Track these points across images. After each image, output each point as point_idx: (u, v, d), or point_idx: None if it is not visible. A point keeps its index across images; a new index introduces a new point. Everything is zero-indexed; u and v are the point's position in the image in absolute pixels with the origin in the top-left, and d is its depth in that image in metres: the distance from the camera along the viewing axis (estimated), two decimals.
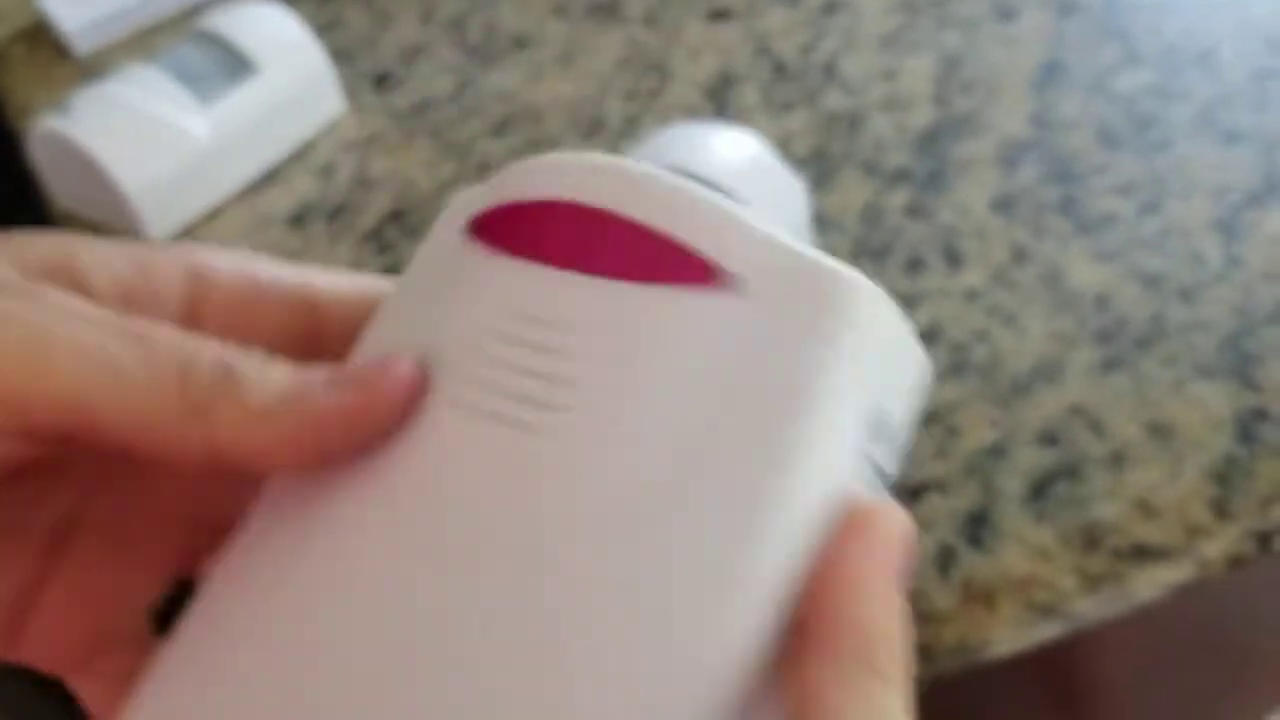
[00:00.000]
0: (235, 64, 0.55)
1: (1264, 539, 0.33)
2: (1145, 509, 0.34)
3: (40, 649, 0.20)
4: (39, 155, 0.54)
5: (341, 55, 0.62)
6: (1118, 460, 0.35)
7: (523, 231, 0.20)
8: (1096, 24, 0.51)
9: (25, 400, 0.18)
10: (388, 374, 0.20)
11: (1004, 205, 0.44)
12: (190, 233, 0.53)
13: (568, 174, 0.20)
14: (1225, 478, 0.34)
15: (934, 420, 0.37)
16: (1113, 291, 0.40)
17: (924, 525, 0.35)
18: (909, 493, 0.36)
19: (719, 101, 0.53)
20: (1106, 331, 0.39)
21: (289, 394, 0.19)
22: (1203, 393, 0.36)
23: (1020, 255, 0.42)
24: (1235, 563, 0.33)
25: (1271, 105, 0.45)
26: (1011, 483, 0.35)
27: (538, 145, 0.53)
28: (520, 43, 0.60)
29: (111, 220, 0.54)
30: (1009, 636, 0.32)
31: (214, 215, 0.53)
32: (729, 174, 0.41)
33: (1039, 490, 0.35)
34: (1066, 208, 0.43)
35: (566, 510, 0.18)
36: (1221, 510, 0.33)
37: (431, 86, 0.58)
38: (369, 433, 0.20)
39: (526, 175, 0.21)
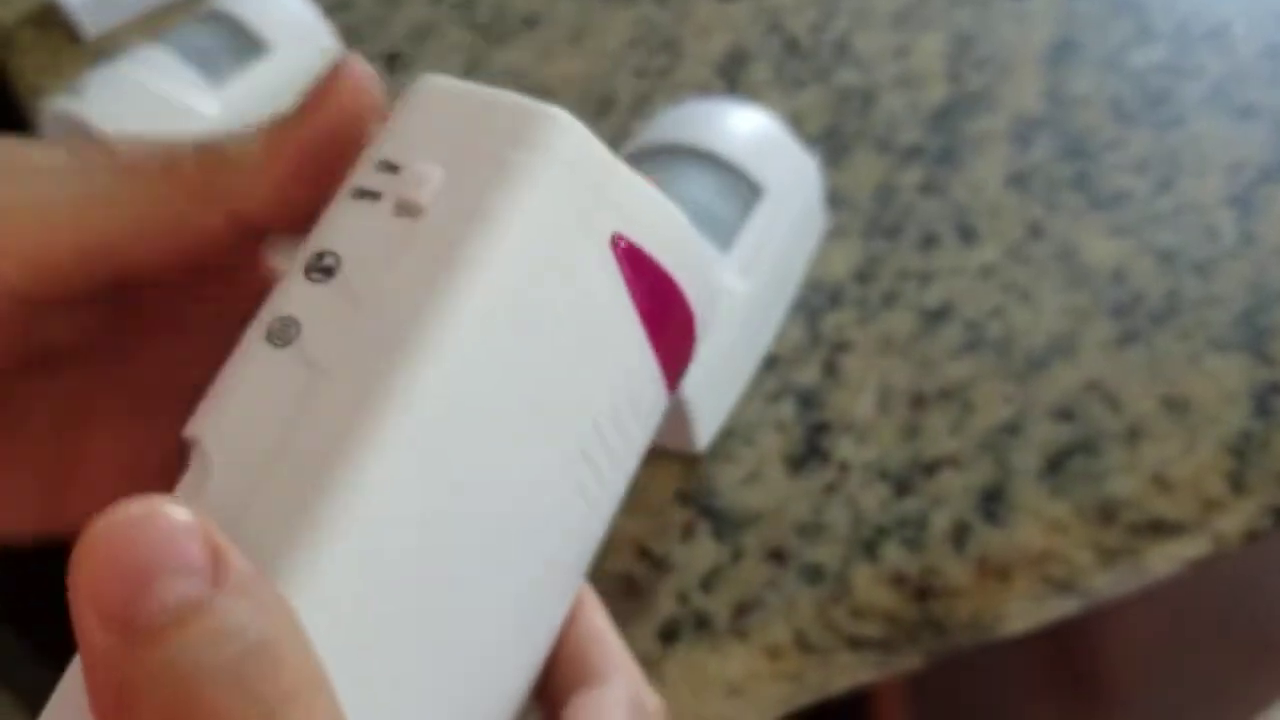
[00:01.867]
0: (246, 44, 0.55)
1: None
2: (1161, 484, 0.34)
3: (82, 519, 0.21)
4: (49, 138, 0.54)
5: (352, 35, 0.61)
6: (1133, 435, 0.35)
7: None
8: (1109, 1, 0.51)
9: (48, 262, 0.20)
10: (341, 76, 0.22)
11: (1017, 182, 0.44)
12: None
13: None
14: (1242, 452, 0.34)
15: (948, 397, 0.37)
16: (1128, 267, 0.40)
17: (938, 501, 0.35)
18: (923, 469, 0.36)
19: (730, 79, 0.53)
20: (1121, 307, 0.39)
21: (269, 138, 0.21)
22: (1218, 367, 0.36)
23: (1034, 232, 0.42)
24: (1251, 537, 0.33)
25: None
26: (1027, 458, 0.35)
27: None
28: (530, 22, 0.60)
29: None
30: (1024, 611, 0.32)
31: None
32: (742, 151, 0.41)
33: (1054, 465, 0.35)
34: (1080, 184, 0.43)
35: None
36: (1238, 484, 0.33)
37: (442, 66, 0.58)
38: (352, 132, 0.22)
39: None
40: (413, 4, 0.64)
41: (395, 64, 0.59)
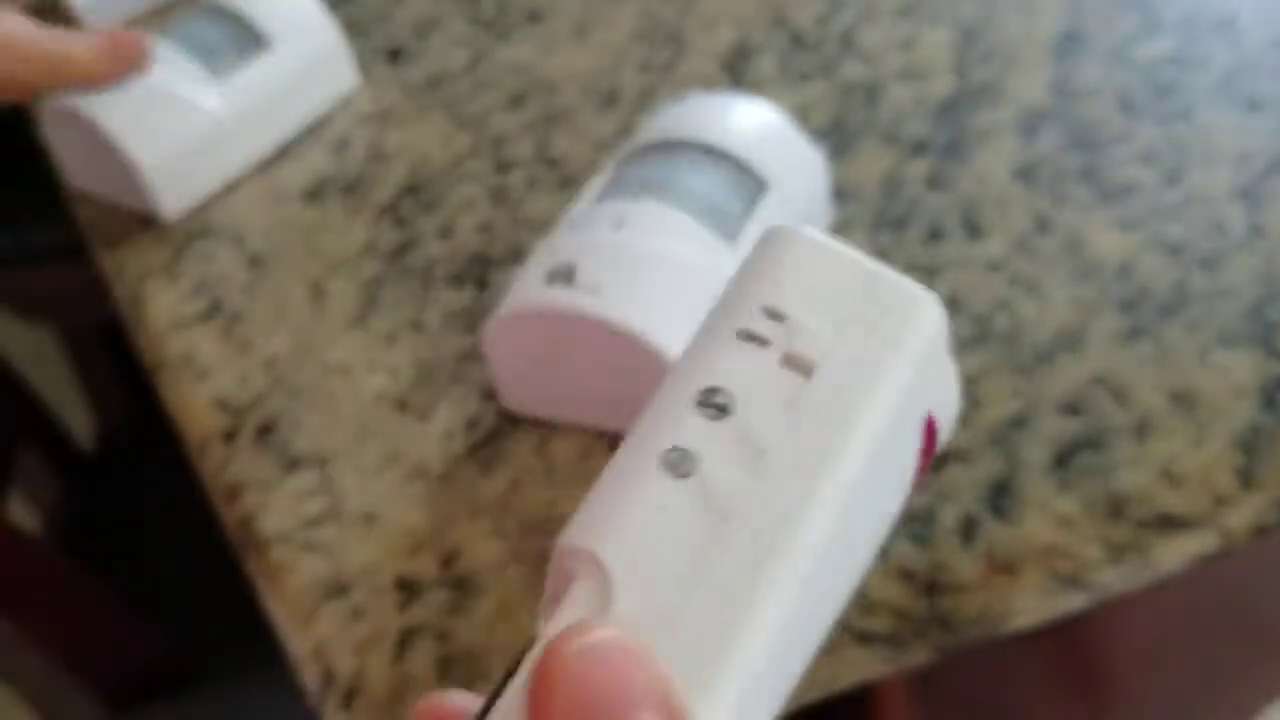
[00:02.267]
0: (248, 38, 0.55)
1: None
2: (1169, 478, 0.33)
3: None
4: (51, 132, 0.54)
5: (355, 29, 0.61)
6: (1141, 429, 0.35)
7: None
8: None
9: None
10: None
11: (1024, 174, 0.44)
12: (205, 208, 0.53)
13: None
14: (1250, 447, 0.34)
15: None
16: (1135, 260, 0.40)
17: (946, 495, 0.35)
18: (931, 463, 0.36)
19: (735, 73, 0.53)
20: (1129, 300, 0.38)
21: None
22: (1227, 361, 0.36)
23: (1041, 225, 0.42)
24: (1260, 532, 0.33)
25: None
26: (1035, 452, 0.35)
27: (553, 118, 0.53)
28: (534, 16, 0.60)
29: (125, 197, 0.53)
30: (1032, 607, 0.32)
31: (229, 190, 0.53)
32: (747, 145, 0.41)
33: (1062, 460, 0.35)
34: (1087, 177, 0.43)
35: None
36: (1247, 479, 0.33)
37: (445, 60, 0.58)
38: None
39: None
40: None
41: (398, 58, 0.58)
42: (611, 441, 0.39)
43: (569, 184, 0.49)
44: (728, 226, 0.38)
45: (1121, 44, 0.48)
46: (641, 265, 0.36)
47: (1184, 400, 0.35)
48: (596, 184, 0.42)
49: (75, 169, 0.55)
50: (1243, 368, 0.36)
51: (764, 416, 0.25)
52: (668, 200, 0.38)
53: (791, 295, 0.27)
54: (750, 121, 0.42)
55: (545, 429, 0.40)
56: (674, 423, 0.24)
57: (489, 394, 0.42)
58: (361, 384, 0.43)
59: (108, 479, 0.82)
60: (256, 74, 0.53)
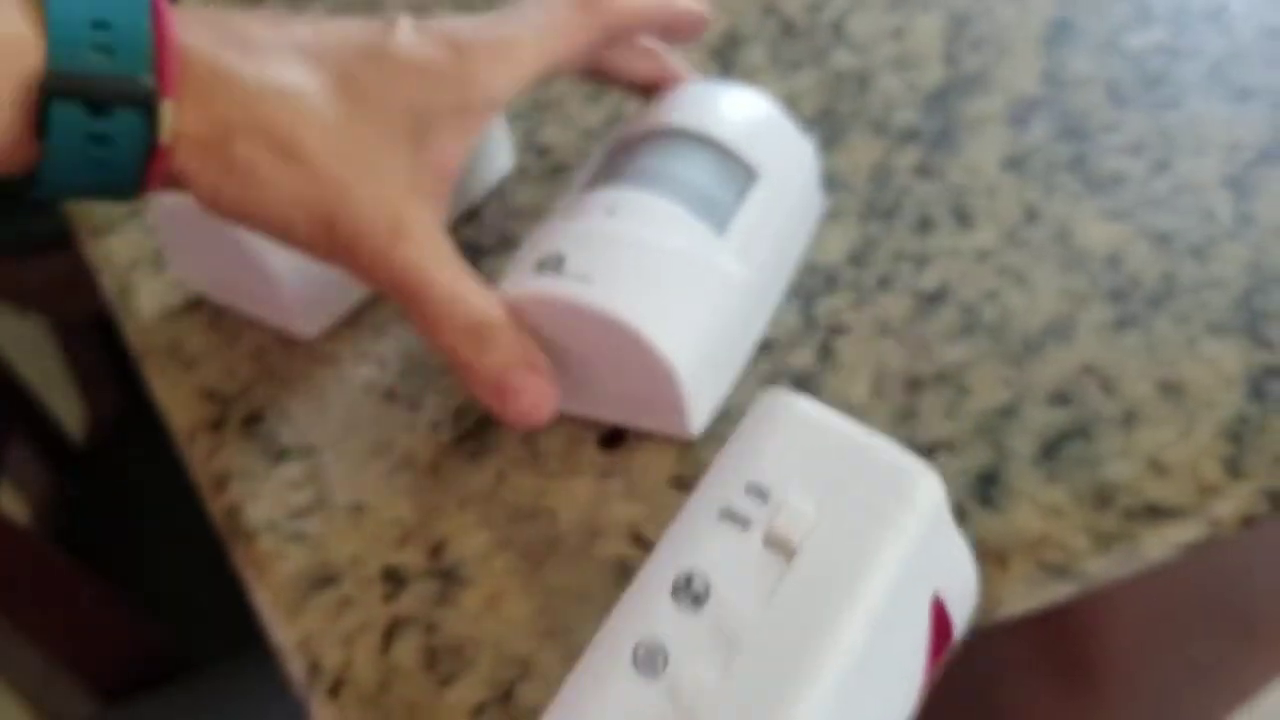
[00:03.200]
0: None
1: (1276, 498, 0.33)
2: (1157, 468, 0.33)
3: None
4: (163, 224, 0.45)
5: (342, 11, 0.61)
6: (1129, 419, 0.35)
7: None
8: None
9: (532, 76, 0.39)
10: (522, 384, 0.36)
11: (1014, 164, 0.44)
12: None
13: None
14: (1238, 436, 0.34)
15: (944, 380, 0.37)
16: (1124, 250, 0.39)
17: None
18: (919, 453, 0.36)
19: (725, 61, 0.52)
20: (1118, 290, 0.38)
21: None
22: (1215, 351, 0.36)
23: (1031, 214, 0.42)
24: (1247, 522, 0.33)
25: None
26: (1023, 442, 0.35)
27: (542, 107, 0.52)
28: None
29: (253, 307, 0.45)
30: (1020, 596, 0.32)
31: None
32: (737, 135, 0.40)
33: (1050, 450, 0.35)
34: (1077, 166, 0.43)
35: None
36: (1234, 469, 0.33)
37: None
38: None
39: None
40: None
41: None
42: (600, 433, 0.39)
43: (558, 173, 0.49)
44: (718, 216, 0.38)
45: (1112, 33, 0.48)
46: (630, 254, 0.36)
47: (1172, 390, 0.35)
48: (586, 172, 0.42)
49: (186, 267, 0.46)
50: (1230, 357, 0.36)
51: (741, 605, 0.24)
52: (658, 190, 0.38)
53: (777, 470, 0.27)
54: (740, 110, 0.41)
55: None
56: (648, 613, 0.23)
57: None
58: (350, 374, 0.43)
59: (98, 470, 0.81)
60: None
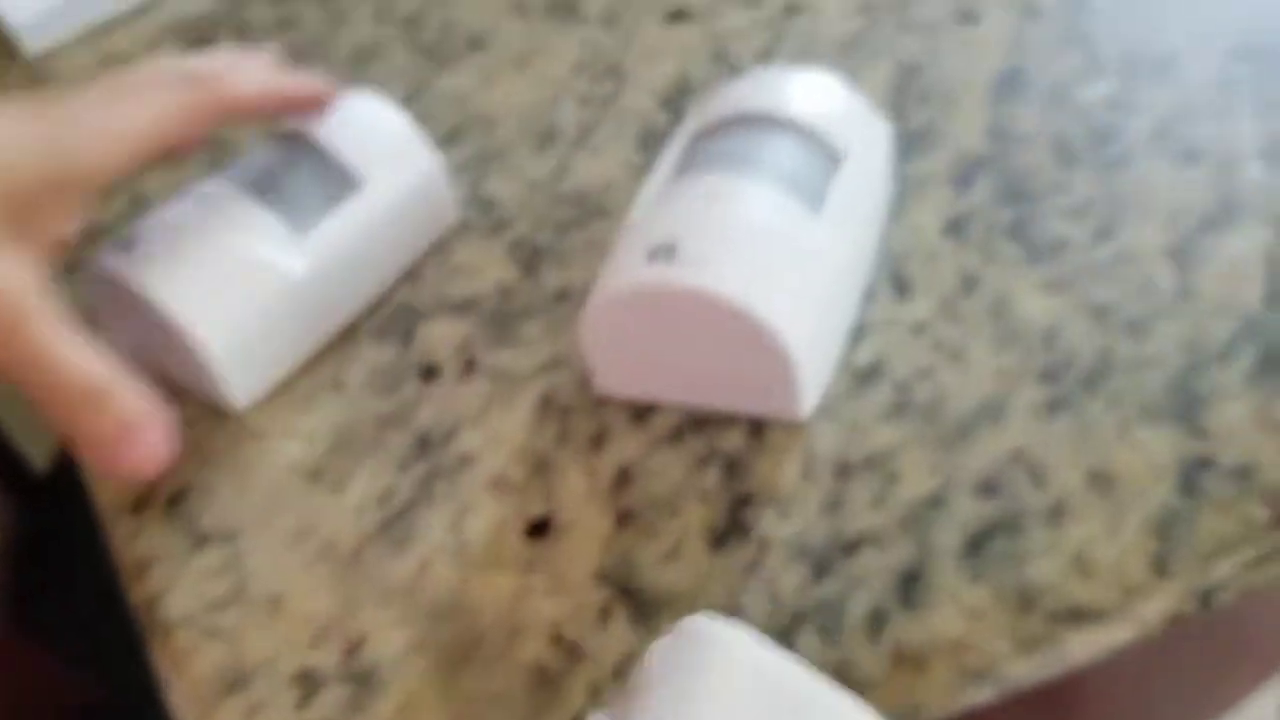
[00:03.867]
0: (334, 178, 0.44)
1: (1205, 597, 0.32)
2: (1083, 567, 0.33)
3: None
4: (93, 292, 0.44)
5: (297, 57, 0.60)
6: (1057, 513, 0.34)
7: None
8: (1059, 28, 0.49)
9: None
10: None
11: (955, 228, 0.43)
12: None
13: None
14: (1166, 532, 0.33)
15: (873, 466, 0.36)
16: (1061, 324, 0.38)
17: (857, 583, 0.34)
18: (843, 547, 0.35)
19: (675, 110, 0.51)
20: (1052, 368, 0.37)
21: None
22: (1146, 438, 0.35)
23: (969, 283, 0.41)
24: (1174, 622, 0.32)
25: (1231, 117, 0.43)
26: (948, 537, 0.34)
27: (488, 157, 0.51)
28: (475, 43, 0.59)
29: (184, 378, 0.44)
30: (940, 700, 0.32)
31: None
32: (819, 116, 0.40)
33: (976, 545, 0.34)
34: (1018, 231, 0.42)
35: None
36: (1161, 568, 0.32)
37: (386, 90, 0.56)
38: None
39: None
40: (359, 22, 0.63)
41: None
42: (527, 521, 0.38)
43: (502, 228, 0.48)
44: (811, 198, 0.38)
45: (1062, 84, 0.47)
46: (741, 238, 0.36)
47: (1101, 480, 0.34)
48: (667, 162, 0.42)
49: (121, 340, 0.45)
50: (1162, 446, 0.35)
51: None
52: (751, 174, 0.38)
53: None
54: (819, 93, 0.41)
55: (458, 506, 0.39)
56: None
57: (405, 463, 0.41)
58: (276, 451, 0.42)
59: (59, 500, 0.81)
60: (345, 222, 0.44)
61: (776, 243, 0.36)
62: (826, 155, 0.40)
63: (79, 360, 0.36)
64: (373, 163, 0.44)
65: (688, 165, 0.40)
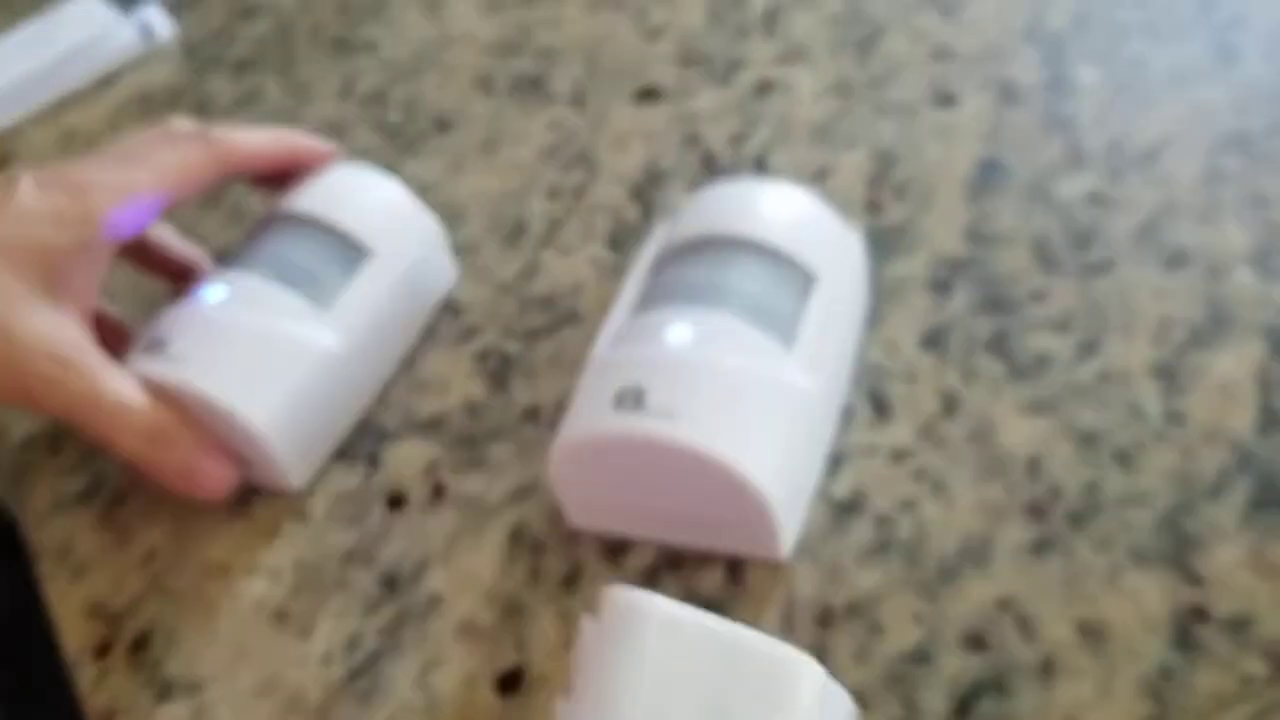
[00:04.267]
0: (346, 250, 0.44)
1: None
2: None
3: None
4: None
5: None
6: (1047, 669, 0.33)
7: None
8: (1039, 114, 0.48)
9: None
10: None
11: (934, 341, 0.41)
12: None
13: None
14: (1159, 693, 0.31)
15: (855, 614, 0.35)
16: (1045, 453, 0.37)
17: None
18: None
19: (645, 201, 0.50)
20: (1038, 503, 0.36)
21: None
22: (1138, 584, 0.34)
23: (950, 405, 0.39)
24: None
25: (1217, 216, 0.42)
26: (935, 697, 0.33)
27: (457, 251, 0.50)
28: (442, 124, 0.57)
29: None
30: None
31: None
32: (790, 236, 0.39)
33: (964, 707, 0.32)
34: (999, 346, 0.40)
35: None
36: None
37: None
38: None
39: None
40: (322, 98, 0.61)
41: None
42: (496, 674, 0.36)
43: (467, 337, 0.47)
44: (782, 327, 0.37)
45: (1042, 177, 0.45)
46: (711, 383, 0.35)
47: (1092, 632, 0.33)
48: (631, 288, 0.40)
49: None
50: (1153, 594, 0.33)
51: None
52: (720, 306, 0.37)
53: (653, 698, 0.27)
54: (786, 210, 0.40)
55: (426, 656, 0.38)
56: None
57: (371, 605, 0.39)
58: (240, 590, 0.41)
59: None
60: (364, 292, 0.44)
61: (748, 384, 0.35)
62: (798, 278, 0.38)
63: (140, 402, 0.40)
64: (378, 231, 0.45)
65: (654, 293, 0.38)
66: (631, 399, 0.35)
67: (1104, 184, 0.44)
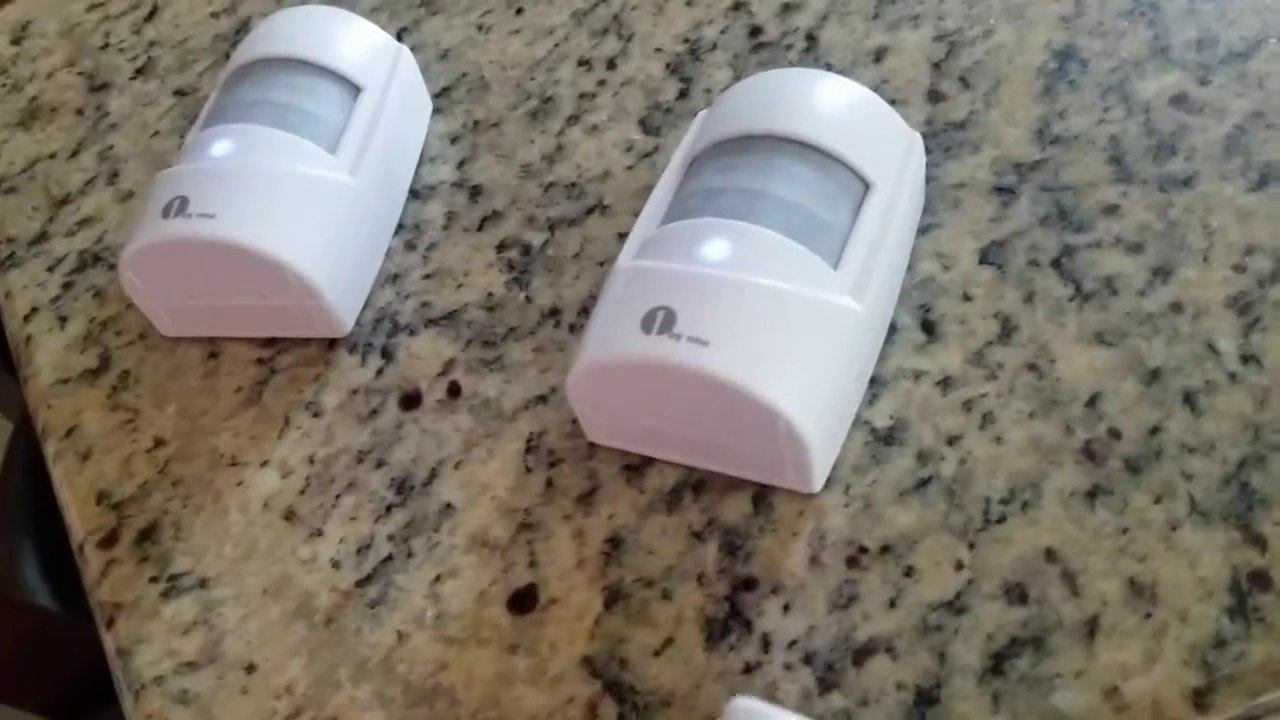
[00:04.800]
0: (342, 87, 0.44)
1: None
2: (1115, 702, 0.30)
3: None
4: (143, 271, 0.41)
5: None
6: (1091, 628, 0.31)
7: None
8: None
9: None
10: None
11: (994, 254, 0.38)
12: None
13: None
14: (1210, 664, 0.30)
15: (891, 555, 0.33)
16: (1106, 389, 0.34)
17: (865, 701, 0.31)
18: (854, 653, 0.32)
19: (683, 77, 0.46)
20: (1094, 446, 0.34)
21: None
22: (1196, 543, 0.31)
23: (1007, 329, 0.36)
24: None
25: None
26: (968, 650, 0.31)
27: (478, 125, 0.47)
28: None
29: (279, 329, 0.42)
30: None
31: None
32: (846, 137, 0.35)
33: (999, 662, 0.31)
34: (1064, 265, 0.37)
35: None
36: (1201, 704, 0.29)
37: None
38: None
39: None
40: None
41: None
42: (509, 591, 0.35)
43: (488, 225, 0.44)
44: (830, 243, 0.34)
45: (1122, 73, 0.41)
46: (748, 307, 0.32)
47: (1141, 592, 0.31)
48: (664, 188, 0.37)
49: (185, 315, 0.43)
50: (1213, 554, 0.31)
51: None
52: (762, 218, 0.34)
53: None
54: (842, 108, 0.36)
55: (437, 568, 0.36)
56: None
57: (382, 511, 0.38)
58: (251, 484, 0.39)
59: None
60: (362, 129, 0.43)
61: (788, 308, 0.32)
62: (851, 186, 0.35)
63: None
64: (362, 67, 0.44)
65: (690, 198, 0.35)
66: (662, 322, 0.32)
67: (1190, 84, 0.40)
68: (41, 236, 0.49)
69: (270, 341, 0.43)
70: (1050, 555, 0.32)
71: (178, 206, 0.39)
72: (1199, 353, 0.34)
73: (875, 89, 0.43)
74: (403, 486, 0.38)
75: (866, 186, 0.35)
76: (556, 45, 0.49)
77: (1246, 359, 0.34)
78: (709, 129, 0.37)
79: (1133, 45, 0.42)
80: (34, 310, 0.46)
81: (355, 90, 0.43)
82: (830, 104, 0.36)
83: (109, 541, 0.39)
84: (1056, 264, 0.37)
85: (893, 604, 0.32)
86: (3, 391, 0.82)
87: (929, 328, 0.37)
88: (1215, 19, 0.42)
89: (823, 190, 0.35)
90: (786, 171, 0.35)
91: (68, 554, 0.41)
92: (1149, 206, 0.38)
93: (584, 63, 0.48)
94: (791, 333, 0.32)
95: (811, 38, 0.46)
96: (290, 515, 0.38)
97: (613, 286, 0.34)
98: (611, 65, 0.47)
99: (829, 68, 0.44)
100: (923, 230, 0.39)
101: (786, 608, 0.33)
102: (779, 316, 0.32)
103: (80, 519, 0.40)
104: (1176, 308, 0.36)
